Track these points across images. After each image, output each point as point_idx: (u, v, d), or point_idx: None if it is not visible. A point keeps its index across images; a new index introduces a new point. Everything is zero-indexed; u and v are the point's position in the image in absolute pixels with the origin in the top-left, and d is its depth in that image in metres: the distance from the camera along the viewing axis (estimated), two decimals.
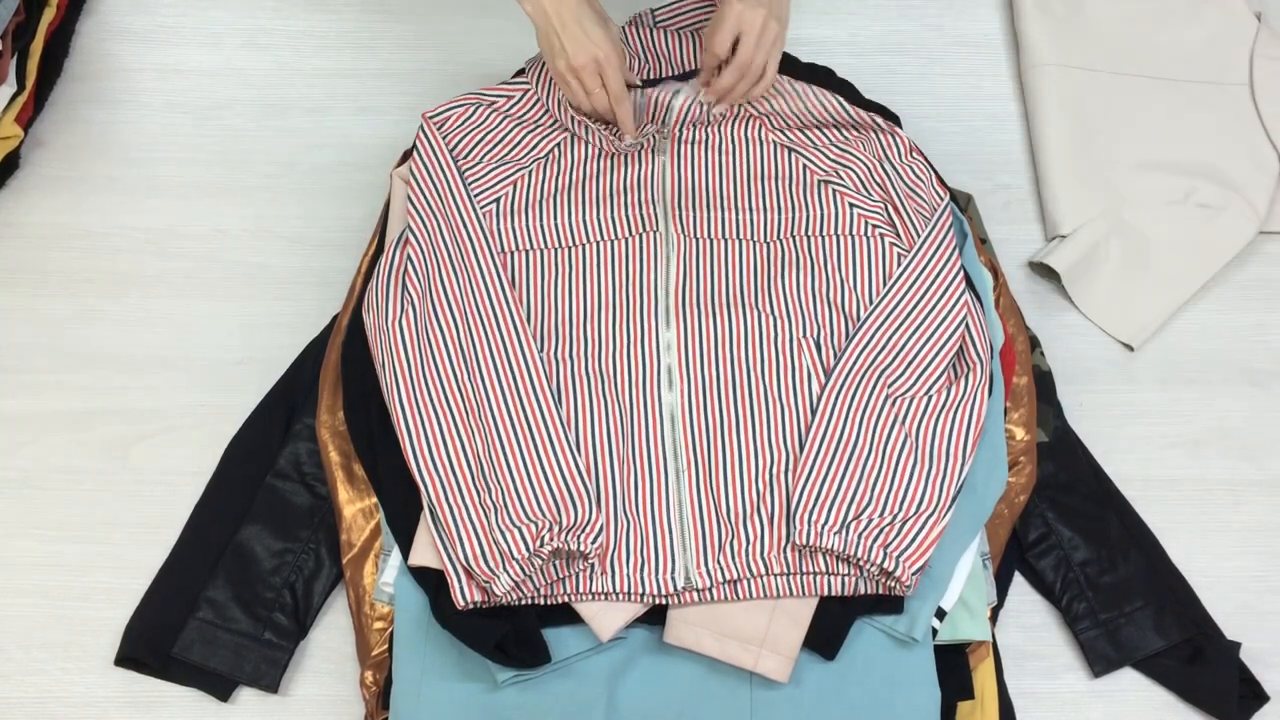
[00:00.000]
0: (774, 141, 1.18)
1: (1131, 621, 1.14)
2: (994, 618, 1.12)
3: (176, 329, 1.28)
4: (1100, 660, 1.13)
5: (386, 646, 1.08)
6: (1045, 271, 1.33)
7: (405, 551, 1.03)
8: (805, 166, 1.17)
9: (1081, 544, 1.16)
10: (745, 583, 0.98)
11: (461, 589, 0.97)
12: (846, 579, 0.98)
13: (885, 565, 0.96)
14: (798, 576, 0.98)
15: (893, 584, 0.98)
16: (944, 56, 1.45)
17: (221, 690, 1.11)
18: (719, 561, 0.98)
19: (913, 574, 0.97)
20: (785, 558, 0.98)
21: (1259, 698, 1.13)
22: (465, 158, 1.18)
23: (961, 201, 1.29)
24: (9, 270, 1.31)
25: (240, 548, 1.14)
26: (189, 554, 1.15)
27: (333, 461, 1.14)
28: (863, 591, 0.98)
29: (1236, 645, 1.14)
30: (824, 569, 0.98)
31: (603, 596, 0.98)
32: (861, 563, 0.97)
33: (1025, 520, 1.17)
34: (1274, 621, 1.17)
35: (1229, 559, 1.20)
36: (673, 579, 0.98)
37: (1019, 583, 1.17)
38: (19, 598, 1.16)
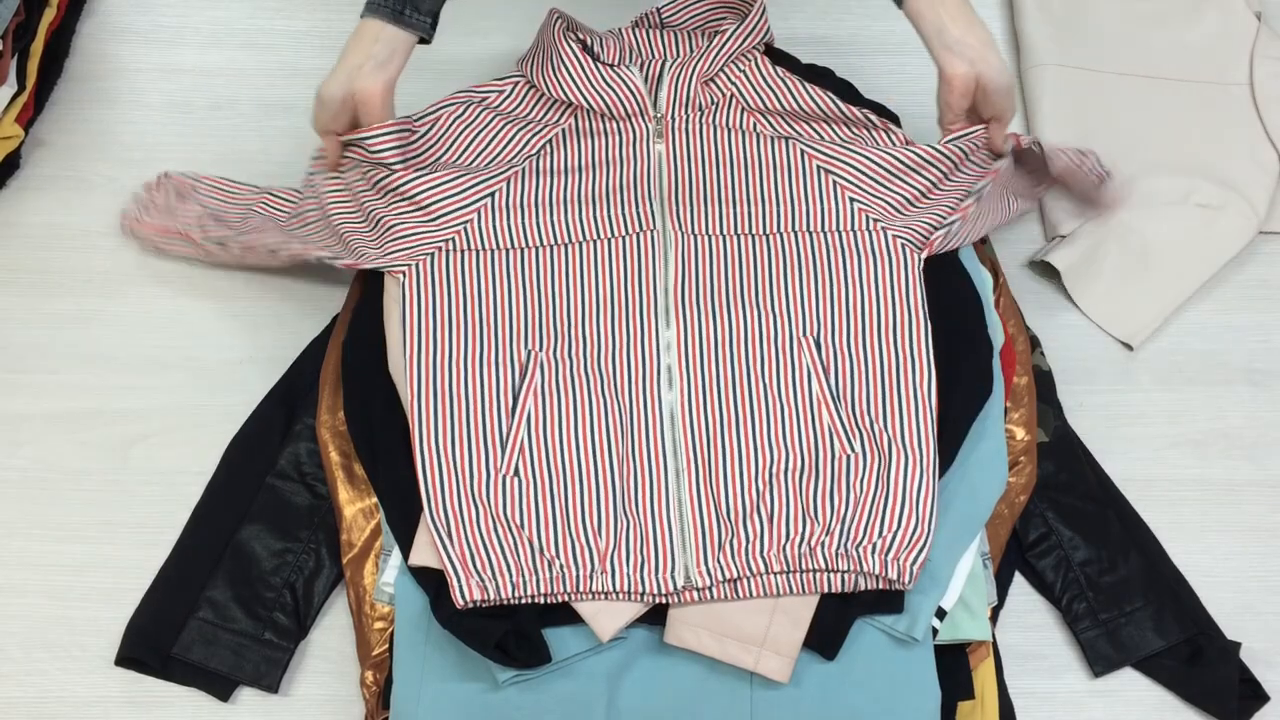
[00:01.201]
0: (770, 135, 1.18)
1: (1131, 621, 1.14)
2: (994, 618, 1.12)
3: (176, 329, 1.28)
4: (1100, 660, 1.13)
5: (386, 646, 1.08)
6: (1045, 271, 1.33)
7: (405, 551, 1.03)
8: (804, 153, 1.16)
9: (1081, 544, 1.16)
10: (745, 581, 0.98)
11: (461, 588, 0.97)
12: (846, 576, 0.98)
13: (888, 574, 0.97)
14: (798, 574, 0.98)
15: (894, 581, 0.98)
16: None
17: (221, 690, 1.11)
18: (719, 560, 0.98)
19: (913, 572, 0.97)
20: (785, 556, 0.98)
21: (1259, 698, 1.13)
22: (460, 157, 1.17)
23: None
24: (9, 270, 1.31)
25: (240, 548, 1.14)
26: (189, 554, 1.15)
27: (333, 461, 1.14)
28: (863, 588, 0.99)
29: (1236, 645, 1.14)
30: (824, 566, 0.98)
31: (603, 596, 0.98)
32: (864, 571, 0.98)
33: (1025, 520, 1.17)
34: (1274, 621, 1.18)
35: (1229, 559, 1.20)
36: (673, 578, 0.98)
37: (1019, 583, 1.17)
38: (19, 598, 1.16)
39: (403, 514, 1.04)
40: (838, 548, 0.97)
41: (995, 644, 1.11)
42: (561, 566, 0.98)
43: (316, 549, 1.15)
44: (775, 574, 0.98)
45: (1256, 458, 1.25)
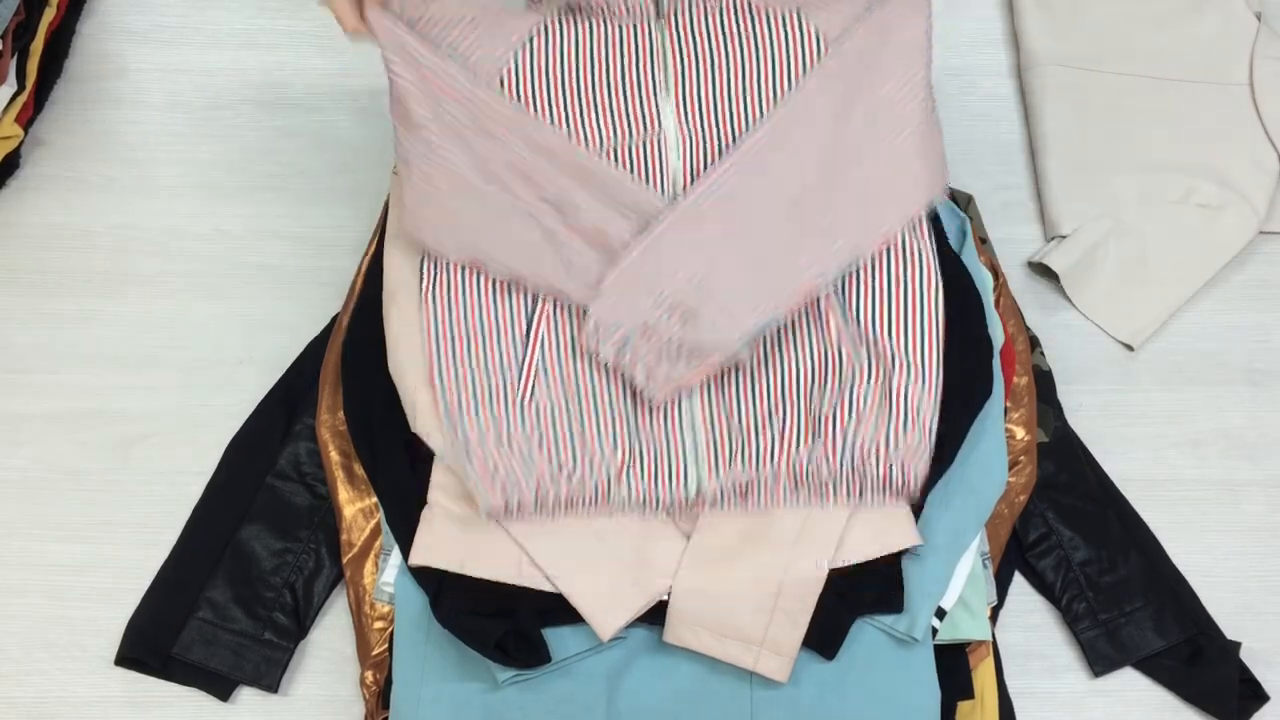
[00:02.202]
0: (780, 10, 1.08)
1: (1131, 621, 1.14)
2: (994, 618, 1.12)
3: (176, 329, 1.28)
4: (1100, 660, 1.14)
5: (386, 646, 1.08)
6: (1045, 271, 1.33)
7: (405, 551, 1.03)
8: (817, 29, 1.07)
9: (1081, 544, 1.16)
10: (756, 492, 1.00)
11: (485, 498, 0.98)
12: (853, 487, 0.99)
13: (893, 482, 0.99)
14: (805, 488, 1.00)
15: (899, 492, 0.99)
16: (944, 56, 1.45)
17: (221, 690, 1.11)
18: (730, 470, 1.00)
19: (917, 480, 0.99)
20: (794, 467, 0.99)
21: (1259, 698, 1.13)
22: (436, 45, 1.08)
23: (961, 201, 1.29)
24: (9, 270, 1.31)
25: (240, 548, 1.14)
26: (189, 554, 1.15)
27: (333, 461, 1.14)
28: (870, 501, 0.99)
29: (1236, 645, 1.14)
30: (830, 478, 0.99)
31: (619, 509, 1.00)
32: (868, 481, 0.99)
33: (1025, 520, 1.17)
34: (1274, 621, 1.18)
35: (1229, 559, 1.20)
36: (685, 488, 1.00)
37: (1019, 583, 1.17)
38: (19, 598, 1.16)
39: (403, 514, 1.04)
40: (843, 458, 0.99)
41: (995, 644, 1.11)
42: (580, 480, 1.00)
43: (316, 549, 1.15)
44: (784, 486, 0.99)
45: (1256, 458, 1.25)
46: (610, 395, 1.03)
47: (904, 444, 0.99)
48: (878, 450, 0.99)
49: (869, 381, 1.01)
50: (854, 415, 1.00)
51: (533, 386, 1.03)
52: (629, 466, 1.01)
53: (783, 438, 1.00)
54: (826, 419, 1.00)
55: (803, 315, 1.03)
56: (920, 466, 0.99)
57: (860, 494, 0.99)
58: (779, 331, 1.03)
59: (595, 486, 1.00)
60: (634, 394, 1.03)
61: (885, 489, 0.99)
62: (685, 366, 1.00)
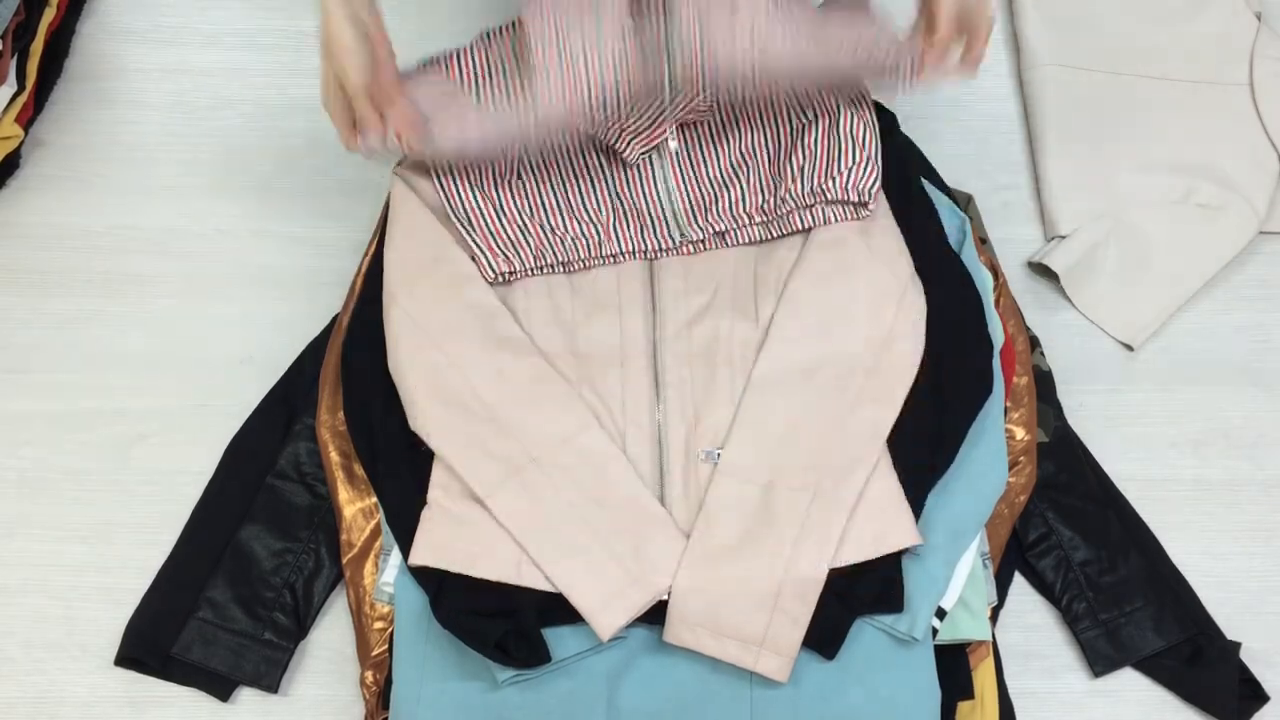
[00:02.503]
0: None
1: (1131, 621, 1.14)
2: (994, 618, 1.12)
3: (177, 329, 1.28)
4: (1100, 660, 1.14)
5: (386, 646, 1.09)
6: (1045, 271, 1.33)
7: (405, 551, 1.03)
8: None
9: (1081, 544, 1.16)
10: (732, 233, 1.11)
11: (490, 263, 1.08)
12: (815, 209, 1.09)
13: (850, 199, 1.08)
14: (775, 221, 1.10)
15: (857, 206, 1.09)
16: None
17: (221, 690, 1.11)
18: (706, 217, 1.11)
19: (871, 193, 1.08)
20: (764, 209, 1.10)
21: (1259, 698, 1.13)
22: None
23: (961, 201, 1.29)
24: (9, 270, 1.31)
25: (240, 548, 1.14)
26: (189, 554, 1.15)
27: (333, 461, 1.14)
28: (830, 220, 1.09)
29: (1236, 645, 1.14)
30: (796, 206, 1.09)
31: (611, 259, 1.10)
32: (829, 200, 1.09)
33: (1025, 520, 1.17)
34: (1274, 621, 1.18)
35: (1229, 559, 1.20)
36: (670, 234, 1.10)
37: (1019, 583, 1.17)
38: (19, 597, 1.16)
39: (403, 514, 1.04)
40: (803, 187, 1.09)
41: (995, 644, 1.11)
42: (573, 239, 1.10)
43: (316, 549, 1.15)
44: (757, 225, 1.11)
45: (1256, 458, 1.25)
46: (589, 165, 1.12)
47: (854, 165, 1.09)
48: (832, 173, 1.09)
49: (817, 129, 1.12)
50: (807, 156, 1.10)
51: (518, 168, 1.12)
52: (615, 221, 1.11)
53: (749, 187, 1.11)
54: (784, 165, 1.11)
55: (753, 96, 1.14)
56: (870, 181, 1.09)
57: (825, 216, 1.09)
58: (732, 105, 1.13)
59: (588, 243, 1.10)
60: (611, 162, 1.12)
61: (844, 203, 1.09)
62: (653, 123, 1.10)
